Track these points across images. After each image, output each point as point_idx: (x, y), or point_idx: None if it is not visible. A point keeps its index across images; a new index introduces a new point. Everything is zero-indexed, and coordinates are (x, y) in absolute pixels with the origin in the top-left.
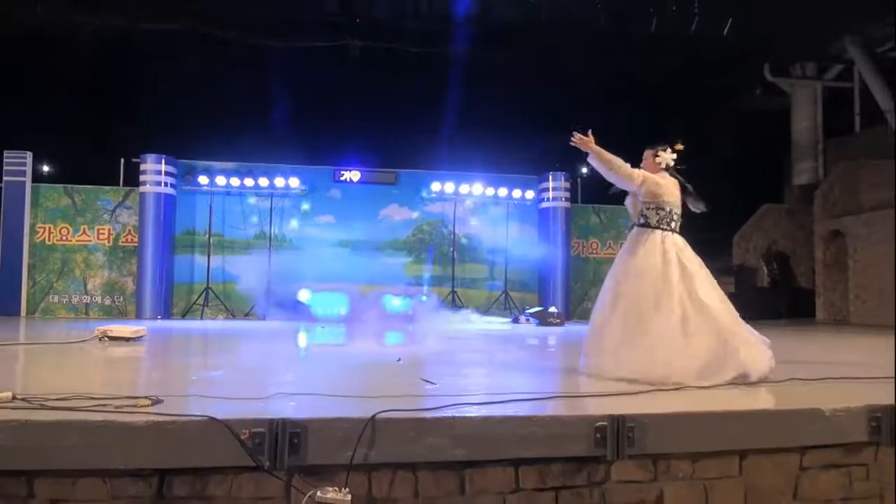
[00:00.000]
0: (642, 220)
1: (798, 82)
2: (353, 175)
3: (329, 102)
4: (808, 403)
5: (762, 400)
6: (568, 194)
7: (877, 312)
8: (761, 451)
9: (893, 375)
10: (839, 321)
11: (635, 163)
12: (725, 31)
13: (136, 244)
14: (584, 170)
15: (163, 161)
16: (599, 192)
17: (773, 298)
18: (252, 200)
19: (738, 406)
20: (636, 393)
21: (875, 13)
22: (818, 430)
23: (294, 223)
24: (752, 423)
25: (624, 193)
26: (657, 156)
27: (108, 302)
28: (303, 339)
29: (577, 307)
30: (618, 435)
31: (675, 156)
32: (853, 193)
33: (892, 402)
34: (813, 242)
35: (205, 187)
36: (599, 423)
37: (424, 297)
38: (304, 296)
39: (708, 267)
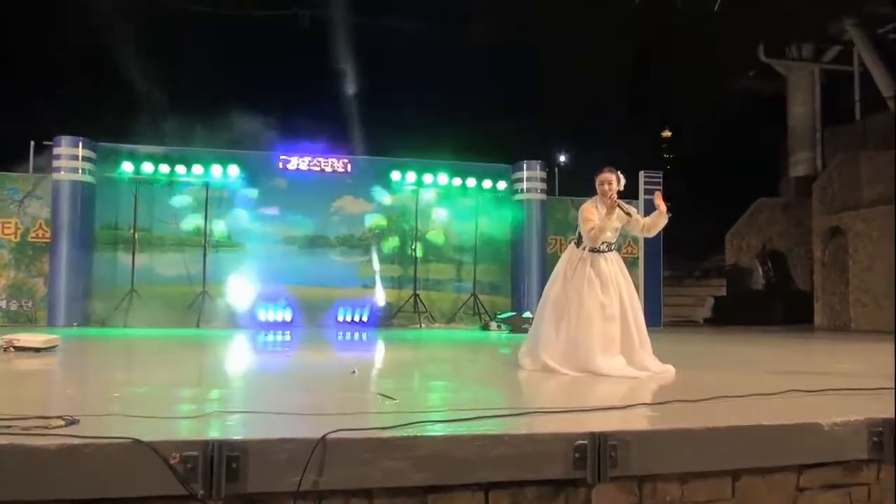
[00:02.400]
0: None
1: (794, 64)
2: (302, 162)
3: (275, 79)
4: (806, 417)
5: (756, 414)
6: (544, 185)
7: (879, 317)
8: (755, 470)
9: (894, 386)
10: (839, 327)
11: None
12: (717, 6)
13: (48, 240)
14: (562, 158)
15: (80, 144)
16: (579, 184)
17: (767, 302)
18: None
19: (729, 421)
20: (618, 408)
21: None
22: (816, 447)
23: (233, 216)
24: (745, 439)
25: None
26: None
27: (14, 307)
28: (243, 349)
29: None
30: (599, 455)
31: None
32: (853, 187)
33: (894, 415)
34: (811, 240)
35: (129, 175)
36: (578, 442)
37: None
38: (245, 300)
39: (698, 268)
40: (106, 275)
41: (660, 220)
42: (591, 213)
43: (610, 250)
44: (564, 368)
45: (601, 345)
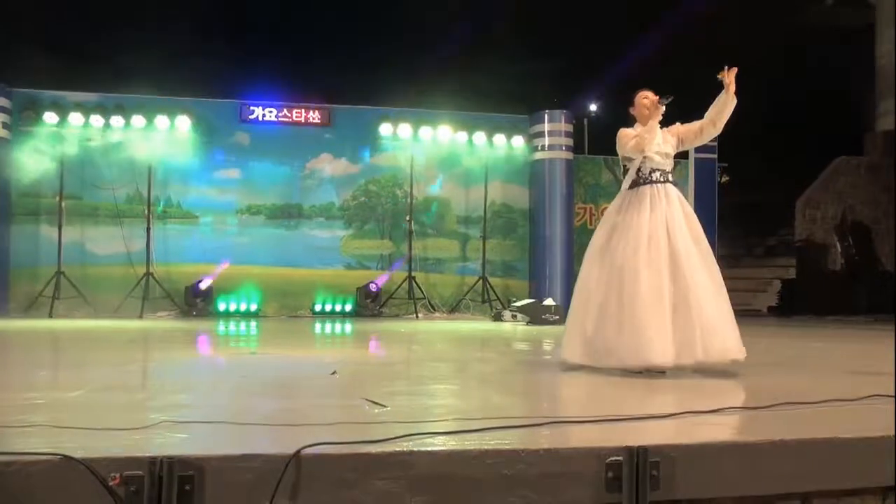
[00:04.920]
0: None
1: None
2: (269, 112)
3: (236, 10)
4: (892, 429)
5: (832, 425)
6: (570, 141)
7: None
8: (830, 493)
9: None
10: None
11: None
12: None
13: None
14: (593, 107)
15: None
16: (614, 139)
17: (848, 286)
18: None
19: (799, 433)
20: (661, 416)
21: None
22: None
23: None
24: (817, 455)
25: None
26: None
27: None
28: (199, 344)
29: None
30: (637, 474)
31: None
32: None
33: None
34: None
35: (53, 128)
36: (612, 459)
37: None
38: (205, 284)
39: (761, 244)
40: (26, 253)
41: (727, 103)
42: (628, 130)
43: (666, 181)
44: (588, 357)
45: (643, 309)
